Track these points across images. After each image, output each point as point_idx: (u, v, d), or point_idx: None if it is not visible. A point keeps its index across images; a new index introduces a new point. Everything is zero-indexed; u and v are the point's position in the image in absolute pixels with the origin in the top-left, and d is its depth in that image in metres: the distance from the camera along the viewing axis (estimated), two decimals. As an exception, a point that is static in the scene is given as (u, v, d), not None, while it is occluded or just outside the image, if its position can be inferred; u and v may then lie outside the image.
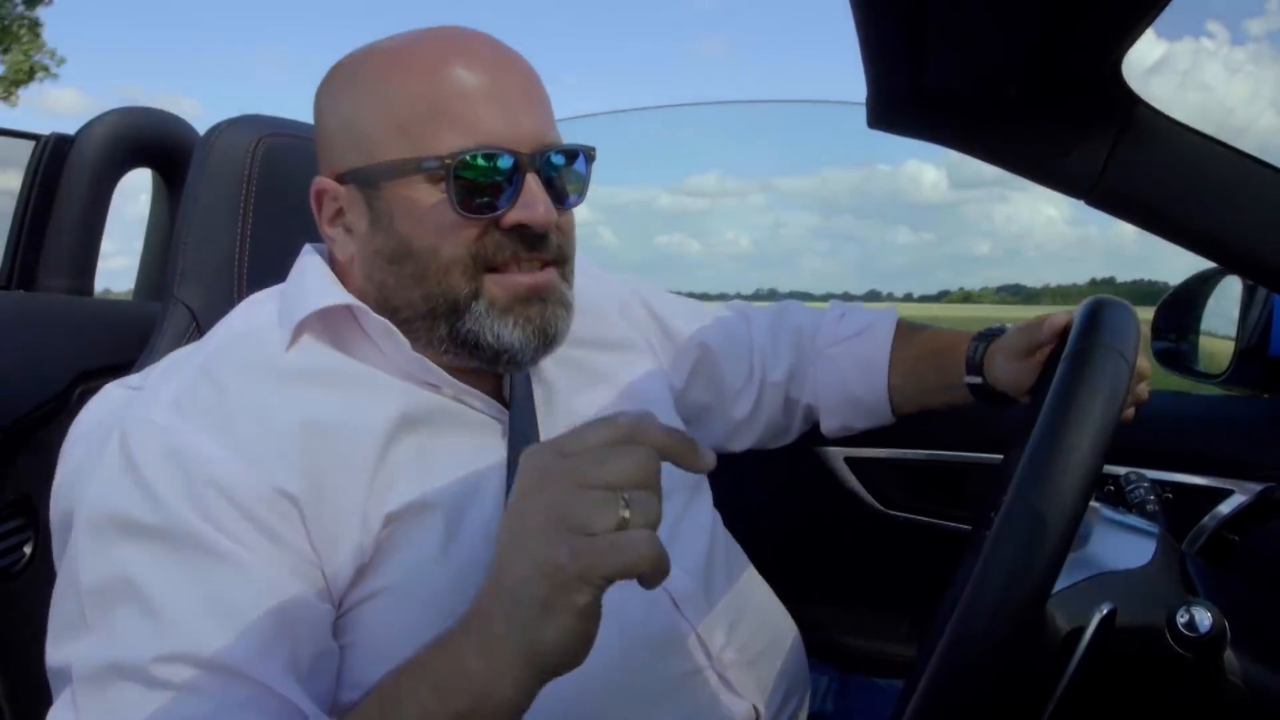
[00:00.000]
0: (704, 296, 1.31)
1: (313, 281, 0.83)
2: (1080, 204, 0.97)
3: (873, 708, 1.18)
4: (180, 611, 0.66)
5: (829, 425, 1.24)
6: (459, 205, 0.78)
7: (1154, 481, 1.03)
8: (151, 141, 1.44)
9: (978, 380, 1.08)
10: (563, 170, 0.83)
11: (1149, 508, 0.98)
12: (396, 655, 0.73)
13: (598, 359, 1.03)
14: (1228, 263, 1.03)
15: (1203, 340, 1.54)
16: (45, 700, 0.70)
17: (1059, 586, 0.65)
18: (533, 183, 0.79)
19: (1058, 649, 0.67)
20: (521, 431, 0.87)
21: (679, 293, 1.27)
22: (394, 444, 0.78)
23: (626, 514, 0.56)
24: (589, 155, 0.86)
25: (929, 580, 0.96)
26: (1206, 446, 1.34)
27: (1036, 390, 0.99)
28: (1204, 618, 0.66)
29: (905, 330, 1.21)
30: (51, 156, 1.36)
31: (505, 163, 0.78)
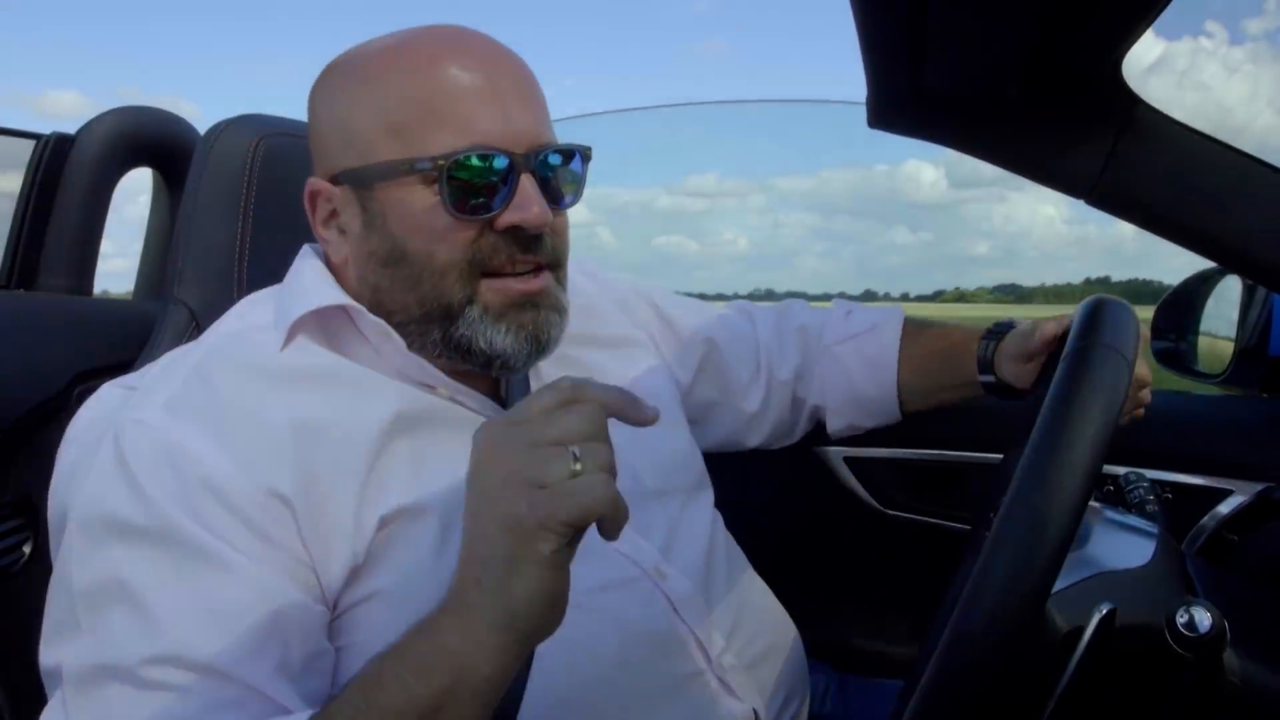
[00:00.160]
0: (702, 297, 1.31)
1: (309, 282, 0.83)
2: (1080, 204, 0.97)
3: (872, 708, 1.18)
4: (170, 613, 0.66)
5: (835, 425, 1.24)
6: (453, 206, 0.77)
7: (1154, 481, 1.04)
8: (152, 141, 1.44)
9: (991, 379, 1.08)
10: (558, 170, 0.83)
11: (1149, 508, 0.98)
12: None
13: (596, 357, 1.02)
14: (1227, 262, 1.03)
15: (1202, 340, 1.54)
16: (44, 699, 0.70)
17: (1059, 586, 0.65)
18: (527, 183, 0.79)
19: (1057, 649, 0.67)
20: None
21: (678, 293, 1.27)
22: (388, 445, 0.78)
23: (577, 466, 0.59)
24: (585, 155, 0.85)
25: (929, 580, 0.96)
26: (1206, 447, 1.34)
27: (1036, 389, 0.99)
28: (1203, 618, 0.66)
29: (912, 328, 1.21)
30: (52, 156, 1.36)
31: (499, 163, 0.78)
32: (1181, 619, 0.67)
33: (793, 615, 1.09)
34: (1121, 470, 1.07)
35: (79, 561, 0.69)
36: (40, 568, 0.89)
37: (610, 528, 0.59)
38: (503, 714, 0.69)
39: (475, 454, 0.63)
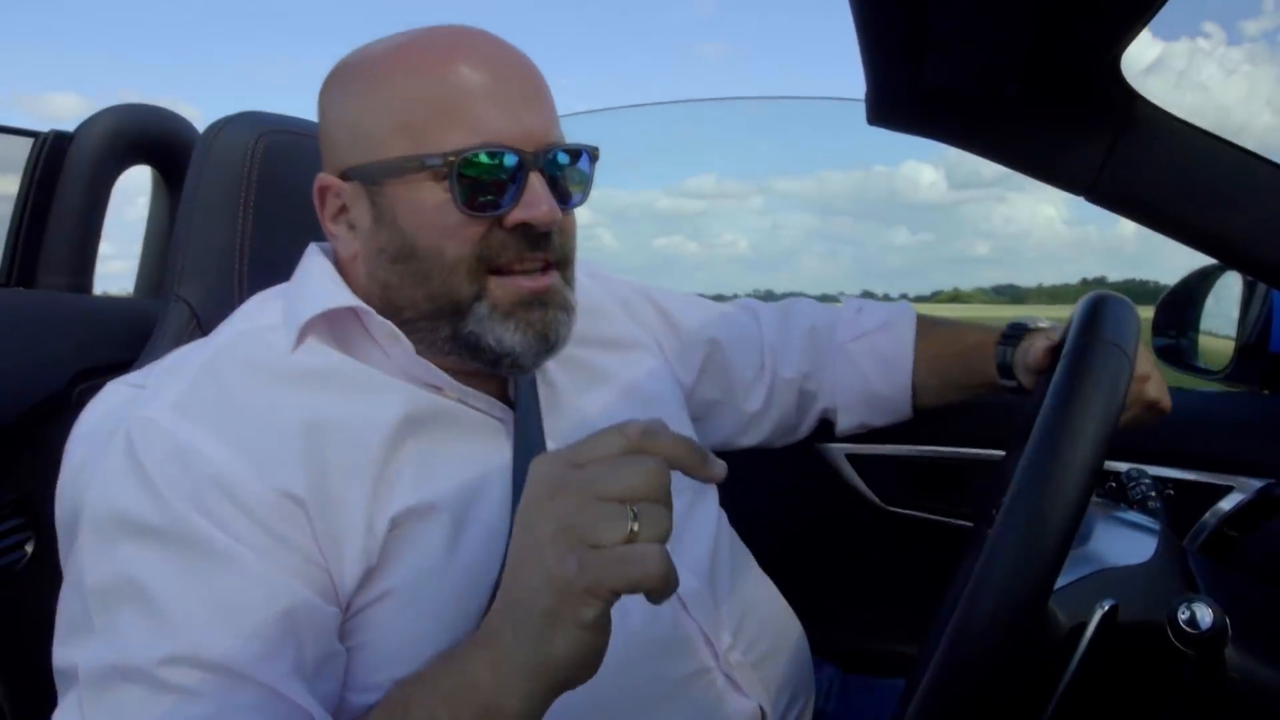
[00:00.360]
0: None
1: (318, 282, 0.83)
2: (1079, 203, 0.97)
3: (875, 705, 1.18)
4: (185, 613, 0.66)
5: (845, 423, 1.24)
6: (462, 203, 0.77)
7: (1155, 478, 1.04)
8: (151, 138, 1.43)
9: (1013, 383, 1.09)
10: (566, 170, 0.83)
11: (1150, 504, 0.98)
12: (403, 657, 0.73)
13: (602, 358, 1.02)
14: (1228, 259, 1.03)
15: (1203, 337, 1.54)
16: (46, 700, 0.70)
17: (1060, 583, 0.65)
18: (536, 182, 0.79)
19: (1059, 646, 0.67)
20: (526, 433, 0.87)
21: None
22: (398, 446, 0.78)
23: (635, 527, 0.56)
24: (592, 155, 0.85)
25: (931, 577, 0.96)
26: (1207, 443, 1.34)
27: (1038, 387, 1.00)
28: (1205, 614, 0.66)
29: (924, 325, 1.21)
30: (51, 153, 1.36)
31: (509, 161, 0.78)
32: (1183, 616, 0.67)
33: (796, 612, 1.09)
34: (1123, 467, 1.08)
35: (91, 561, 0.69)
36: (43, 567, 0.89)
37: (657, 598, 0.57)
38: None
39: (528, 491, 0.61)
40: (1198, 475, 1.30)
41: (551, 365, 0.94)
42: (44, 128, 1.39)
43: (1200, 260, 1.42)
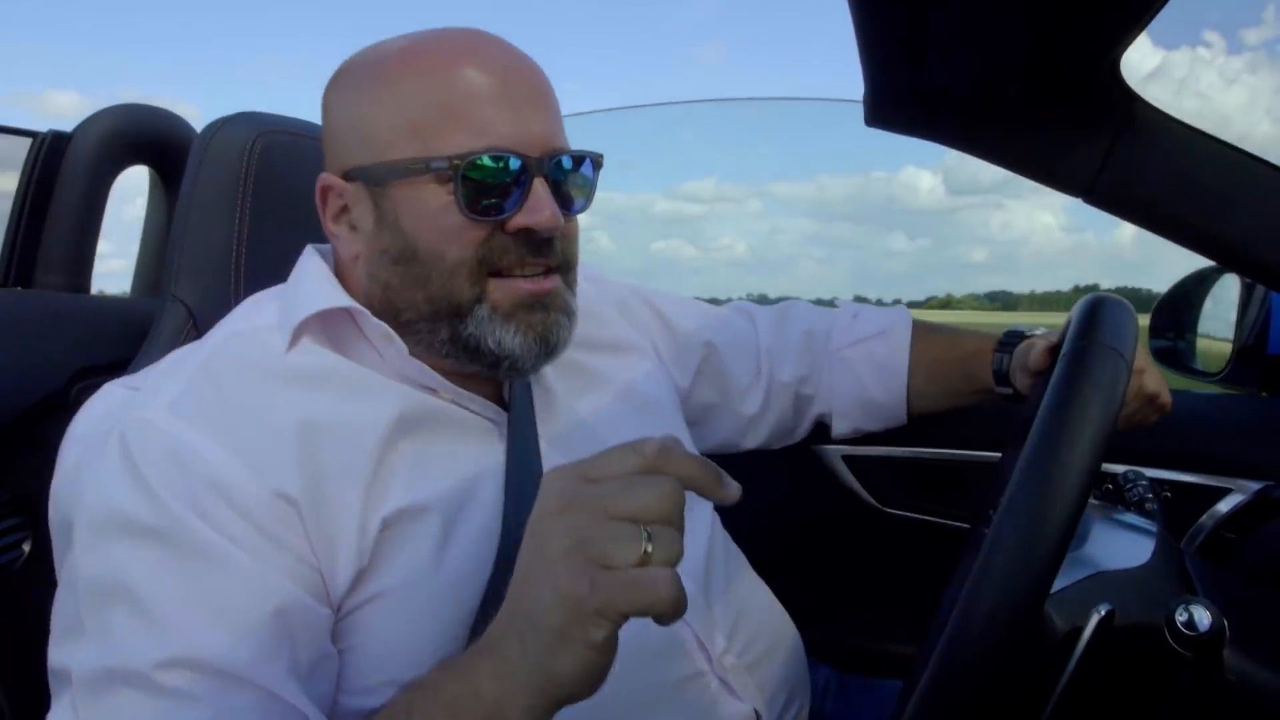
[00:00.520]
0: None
1: (313, 284, 0.83)
2: (1077, 210, 0.97)
3: (872, 707, 1.18)
4: (181, 615, 0.66)
5: (840, 428, 1.24)
6: (465, 206, 0.77)
7: (1152, 480, 1.04)
8: (149, 139, 1.43)
9: (1009, 390, 1.09)
10: (570, 176, 0.83)
11: (1147, 506, 0.98)
12: (395, 659, 0.73)
13: (597, 361, 1.02)
14: (1226, 260, 1.03)
15: (1200, 339, 1.54)
16: (45, 700, 0.70)
17: (1057, 587, 0.65)
18: (540, 187, 0.79)
19: (1056, 650, 0.67)
20: (520, 435, 0.87)
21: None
22: (391, 447, 0.78)
23: (649, 548, 0.55)
24: (596, 161, 0.85)
25: (928, 578, 0.96)
26: (1205, 445, 1.34)
27: (1035, 389, 1.00)
28: (1203, 616, 0.66)
29: (921, 332, 1.21)
30: (49, 153, 1.36)
31: (513, 165, 0.78)
32: (1181, 618, 0.67)
33: (792, 614, 1.09)
34: (1120, 469, 1.08)
35: (87, 562, 0.69)
36: (40, 567, 0.89)
37: (666, 621, 0.56)
38: None
39: (541, 503, 0.60)
40: (1195, 477, 1.31)
41: (546, 368, 0.94)
42: (42, 125, 1.39)
43: (1198, 263, 1.42)
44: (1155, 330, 1.53)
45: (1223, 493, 1.28)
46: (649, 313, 1.16)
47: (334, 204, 0.84)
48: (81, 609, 0.68)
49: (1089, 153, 0.93)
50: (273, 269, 0.90)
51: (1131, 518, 0.88)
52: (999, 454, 1.19)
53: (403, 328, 0.81)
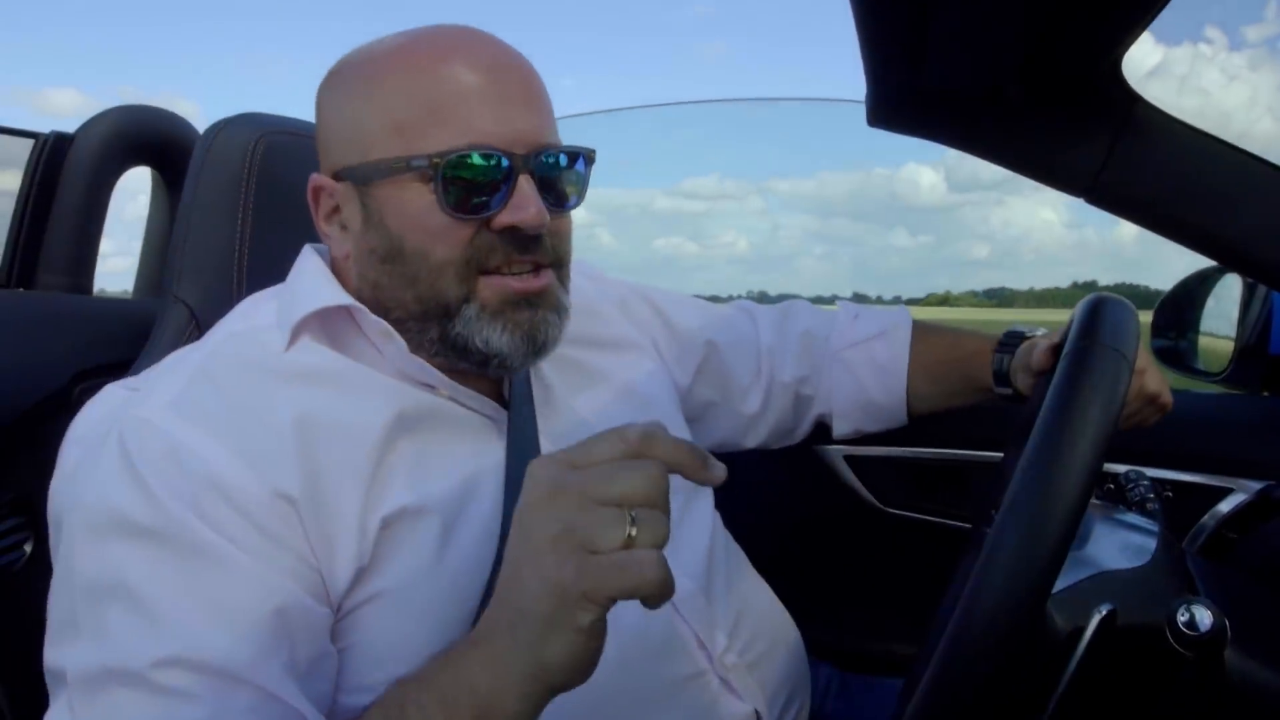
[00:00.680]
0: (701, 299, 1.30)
1: (311, 282, 0.83)
2: (1078, 207, 0.97)
3: (873, 706, 1.18)
4: (179, 615, 0.66)
5: (841, 429, 1.24)
6: (448, 205, 0.77)
7: (1154, 480, 1.03)
8: (151, 140, 1.43)
9: (1008, 391, 1.10)
10: (560, 173, 0.82)
11: (1149, 506, 0.98)
12: (395, 658, 0.73)
13: (597, 358, 1.02)
14: (1227, 260, 1.03)
15: (1202, 338, 1.54)
16: (45, 700, 0.70)
17: (1058, 587, 0.65)
18: (525, 184, 0.78)
19: (1057, 650, 0.67)
20: (520, 432, 0.86)
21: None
22: (391, 446, 0.77)
23: (633, 532, 0.56)
24: (588, 157, 0.85)
25: (929, 578, 0.96)
26: (1206, 445, 1.34)
27: (1037, 388, 1.00)
28: (1204, 616, 0.66)
29: (922, 333, 1.21)
30: (51, 155, 1.36)
31: (497, 163, 0.77)
32: (1182, 618, 0.67)
33: (793, 614, 1.09)
34: (1122, 468, 1.08)
35: (84, 561, 0.69)
36: (42, 567, 0.89)
37: (654, 604, 0.57)
38: None
39: (527, 493, 0.61)
40: (1197, 477, 1.31)
41: (546, 365, 0.94)
42: (42, 123, 1.40)
43: (1200, 262, 1.42)
44: (1157, 330, 1.53)
45: (1224, 492, 1.28)
46: (650, 311, 1.16)
47: (325, 204, 0.84)
48: (78, 608, 0.68)
49: (1090, 153, 0.93)
50: (275, 269, 0.90)
51: (1133, 517, 0.88)
52: (1000, 454, 1.19)
53: (395, 326, 0.81)
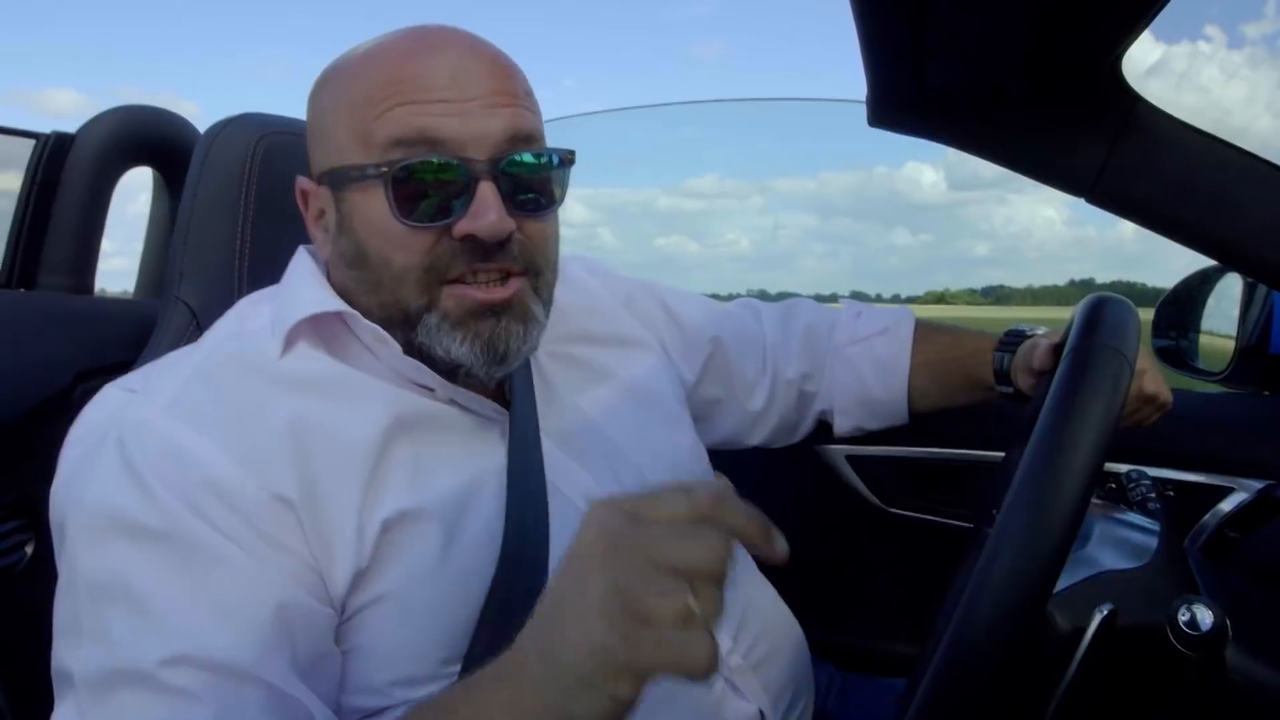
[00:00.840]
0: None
1: (303, 286, 0.83)
2: (1079, 205, 0.97)
3: (874, 706, 1.18)
4: (183, 613, 0.66)
5: (842, 426, 1.24)
6: (399, 213, 0.75)
7: (1155, 479, 1.04)
8: (152, 140, 1.44)
9: (1010, 390, 1.10)
10: (532, 176, 0.79)
11: (1150, 506, 0.98)
12: (399, 660, 0.73)
13: (600, 355, 1.02)
14: (1228, 260, 1.03)
15: (1203, 338, 1.54)
16: (46, 700, 0.70)
17: (1060, 587, 0.65)
18: (486, 190, 0.76)
19: (1059, 650, 0.67)
20: (522, 431, 0.86)
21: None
22: (389, 449, 0.77)
23: (692, 605, 0.52)
24: (565, 159, 0.82)
25: (931, 578, 0.96)
26: (1207, 444, 1.34)
27: (1038, 388, 1.00)
28: (1205, 616, 0.66)
29: (924, 331, 1.21)
30: (52, 155, 1.37)
31: (451, 168, 0.75)
32: (1183, 617, 0.67)
33: (796, 613, 1.09)
34: (1123, 468, 1.08)
35: (86, 562, 0.69)
36: (43, 568, 0.89)
37: (696, 682, 0.53)
38: None
39: (583, 537, 0.56)
40: (1198, 476, 1.31)
41: (547, 362, 0.94)
42: (43, 123, 1.40)
43: (1200, 261, 1.42)
44: (1158, 329, 1.53)
45: (1225, 492, 1.28)
46: (656, 308, 1.16)
47: (313, 207, 0.84)
48: (81, 610, 0.68)
49: (1091, 153, 0.93)
50: (276, 270, 0.90)
51: (1134, 517, 0.88)
52: (1002, 454, 1.19)
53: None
